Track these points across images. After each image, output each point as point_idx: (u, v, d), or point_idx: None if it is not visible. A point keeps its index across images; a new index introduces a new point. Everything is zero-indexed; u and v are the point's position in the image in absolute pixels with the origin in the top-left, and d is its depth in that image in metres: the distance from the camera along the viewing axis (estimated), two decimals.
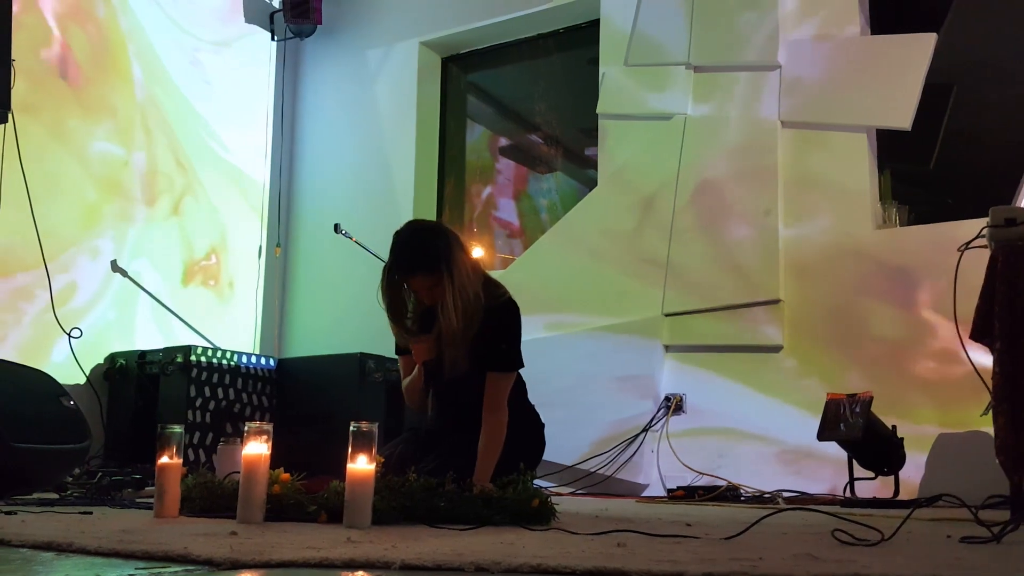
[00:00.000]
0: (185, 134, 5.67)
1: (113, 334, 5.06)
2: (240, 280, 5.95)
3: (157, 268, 5.40)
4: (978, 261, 3.38)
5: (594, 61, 5.40)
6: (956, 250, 3.43)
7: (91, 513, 2.44)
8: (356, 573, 1.39)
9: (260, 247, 6.12)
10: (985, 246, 3.14)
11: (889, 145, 4.66)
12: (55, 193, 4.85)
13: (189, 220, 5.64)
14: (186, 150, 5.67)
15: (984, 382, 3.32)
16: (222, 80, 5.96)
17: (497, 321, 2.80)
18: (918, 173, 4.95)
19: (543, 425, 3.00)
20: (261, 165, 6.22)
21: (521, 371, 2.90)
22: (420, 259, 2.75)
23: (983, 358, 3.36)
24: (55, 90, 4.96)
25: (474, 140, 6.41)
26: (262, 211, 6.17)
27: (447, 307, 2.69)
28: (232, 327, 5.83)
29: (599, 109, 5.26)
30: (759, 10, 4.83)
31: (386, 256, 2.82)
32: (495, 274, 4.94)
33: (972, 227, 3.48)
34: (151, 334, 5.25)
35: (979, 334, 3.07)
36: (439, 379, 2.85)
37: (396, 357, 3.08)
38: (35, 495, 3.04)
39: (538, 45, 6.02)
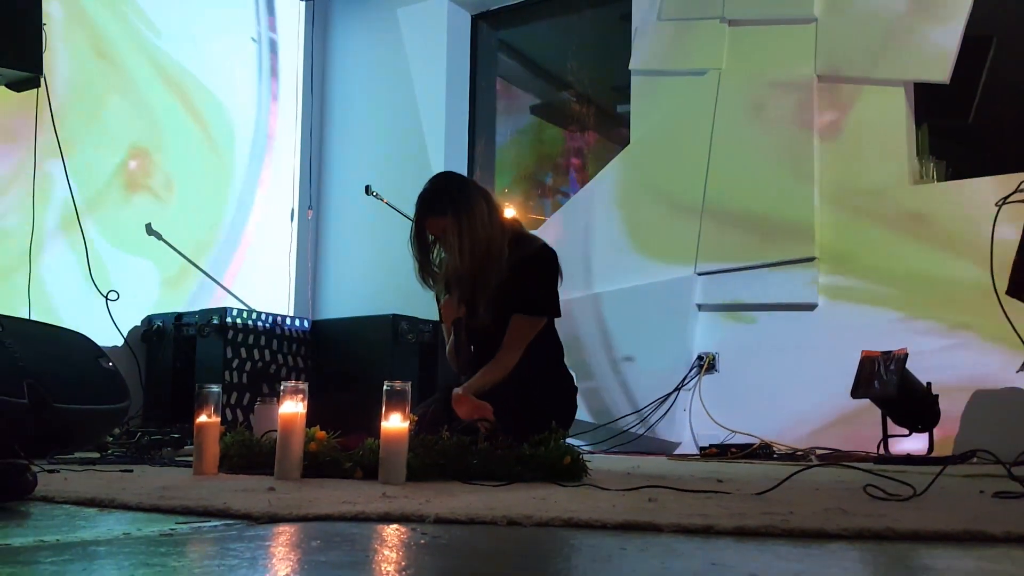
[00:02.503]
0: (205, 95, 5.67)
1: (147, 295, 5.12)
2: (270, 242, 5.96)
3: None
4: (1016, 216, 3.34)
5: (627, 16, 5.33)
6: (994, 205, 3.39)
7: (131, 471, 2.49)
8: (391, 526, 1.41)
9: (292, 209, 6.15)
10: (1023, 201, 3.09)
11: (927, 99, 4.57)
12: (84, 155, 4.89)
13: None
14: (207, 108, 5.67)
15: (1021, 338, 3.28)
16: (248, 39, 5.93)
17: (526, 268, 2.81)
18: (956, 127, 4.85)
19: (576, 389, 3.00)
20: (292, 127, 6.21)
21: (555, 330, 2.89)
22: (430, 202, 2.80)
23: (1020, 313, 3.32)
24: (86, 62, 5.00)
25: (509, 103, 6.36)
26: (294, 173, 6.18)
27: (451, 246, 2.73)
28: (267, 289, 5.87)
29: (632, 65, 5.21)
30: None
31: None
32: None
33: (1010, 182, 3.44)
34: (183, 294, 5.30)
35: (1016, 289, 3.04)
36: (473, 335, 2.87)
37: (428, 319, 3.10)
38: (76, 454, 3.11)
39: (570, 1, 5.94)
